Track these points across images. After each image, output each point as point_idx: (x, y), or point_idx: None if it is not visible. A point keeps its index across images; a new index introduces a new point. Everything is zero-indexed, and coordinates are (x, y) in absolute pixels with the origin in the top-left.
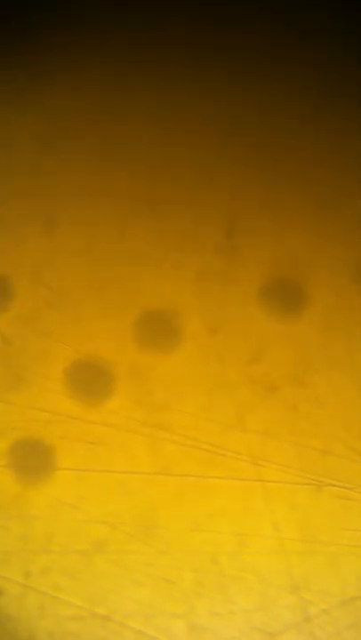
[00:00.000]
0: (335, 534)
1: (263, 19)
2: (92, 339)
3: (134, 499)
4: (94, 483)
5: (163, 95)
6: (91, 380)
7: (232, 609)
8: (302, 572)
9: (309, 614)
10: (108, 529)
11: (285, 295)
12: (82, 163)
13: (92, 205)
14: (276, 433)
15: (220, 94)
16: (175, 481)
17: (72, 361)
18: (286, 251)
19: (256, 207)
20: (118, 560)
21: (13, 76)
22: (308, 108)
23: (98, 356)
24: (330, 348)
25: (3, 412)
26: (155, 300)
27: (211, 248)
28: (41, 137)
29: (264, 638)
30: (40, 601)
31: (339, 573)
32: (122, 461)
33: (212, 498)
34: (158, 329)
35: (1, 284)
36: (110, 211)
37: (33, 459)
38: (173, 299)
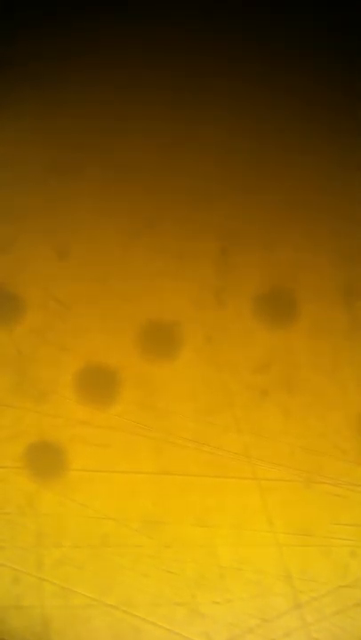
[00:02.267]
0: (324, 528)
1: (261, 48)
2: (99, 348)
3: (139, 497)
4: (102, 482)
5: (162, 122)
6: (98, 387)
7: (230, 597)
8: (294, 563)
9: (300, 601)
10: (115, 525)
11: (277, 307)
12: (87, 186)
13: (97, 226)
14: (270, 434)
15: (219, 122)
16: (177, 480)
17: (80, 369)
18: (277, 266)
19: (249, 226)
20: (125, 553)
21: (21, 107)
22: (296, 135)
23: (104, 365)
24: (317, 357)
25: (17, 417)
26: (156, 311)
27: (207, 263)
28: (50, 163)
29: (259, 624)
30: (53, 592)
31: (327, 564)
32: (127, 462)
33: (211, 495)
34: (160, 338)
35: (14, 299)
36: (113, 230)
37: (46, 461)
38: (173, 310)
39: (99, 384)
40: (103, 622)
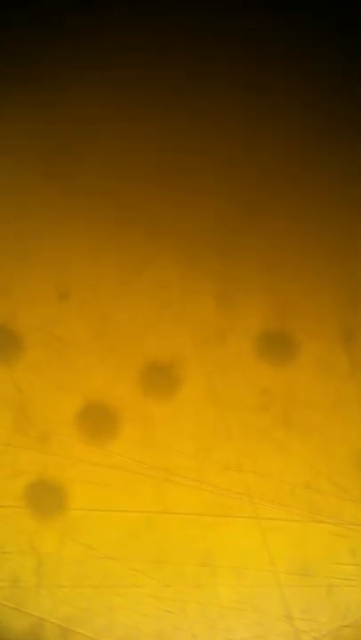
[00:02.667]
0: (326, 568)
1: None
2: (99, 387)
3: (140, 536)
4: (102, 521)
5: (163, 154)
6: (98, 426)
7: (231, 638)
8: (295, 603)
9: None
10: (115, 564)
11: (277, 346)
12: (85, 226)
13: (97, 263)
14: (271, 473)
15: (218, 155)
16: (178, 519)
17: (81, 408)
18: (278, 306)
19: (250, 264)
20: (125, 593)
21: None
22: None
23: (104, 403)
24: (318, 395)
25: (17, 456)
26: (157, 349)
27: (208, 302)
28: (48, 203)
29: None
30: (53, 632)
31: (329, 604)
32: (128, 501)
33: (212, 534)
34: (160, 377)
35: (13, 337)
36: (113, 267)
37: (46, 500)
38: (174, 348)
39: (99, 422)
40: None
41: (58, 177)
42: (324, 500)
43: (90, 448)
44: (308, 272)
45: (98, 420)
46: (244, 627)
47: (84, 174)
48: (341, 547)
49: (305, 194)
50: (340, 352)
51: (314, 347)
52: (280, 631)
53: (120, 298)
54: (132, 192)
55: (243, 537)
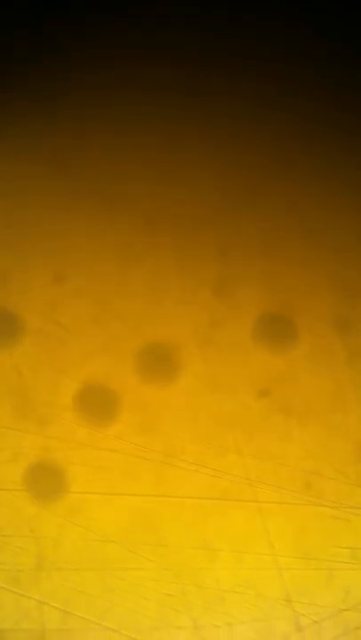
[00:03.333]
0: (325, 551)
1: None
2: (99, 371)
3: (140, 519)
4: (102, 505)
5: (164, 154)
6: (98, 410)
7: (230, 621)
8: (295, 587)
9: (301, 625)
10: (115, 547)
11: (276, 332)
12: (86, 213)
13: (96, 248)
14: (270, 457)
15: (218, 153)
16: (177, 502)
17: (80, 392)
18: (276, 292)
19: (248, 251)
20: (125, 576)
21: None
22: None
23: (104, 387)
24: (318, 380)
25: (17, 439)
26: (156, 334)
27: (207, 288)
28: (49, 190)
29: None
30: (53, 615)
31: (328, 587)
32: (128, 485)
33: (212, 518)
34: (159, 361)
35: (14, 322)
36: (113, 254)
37: (46, 483)
38: (173, 333)
39: (98, 406)
40: None
41: (59, 166)
42: (323, 484)
43: (90, 432)
44: (308, 257)
45: (98, 404)
46: (244, 610)
47: (86, 162)
48: (341, 530)
49: (305, 177)
50: (340, 338)
51: (313, 332)
52: (280, 614)
53: (119, 283)
54: (132, 176)
55: (242, 520)
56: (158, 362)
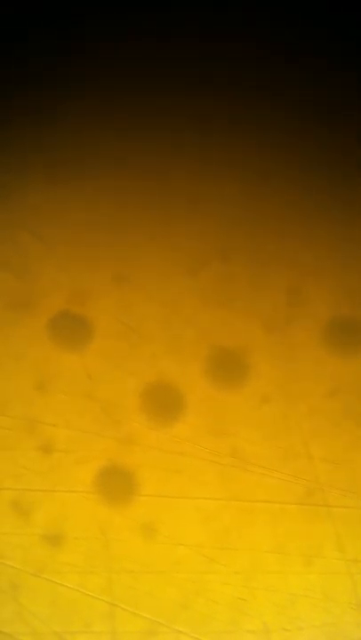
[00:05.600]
0: None
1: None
2: (168, 373)
3: (209, 523)
4: (172, 508)
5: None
6: (167, 412)
7: (301, 625)
8: None
9: None
10: (185, 551)
11: (347, 334)
12: (152, 211)
13: (168, 251)
14: (341, 461)
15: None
16: (247, 506)
17: (149, 394)
18: (349, 294)
19: (321, 254)
20: (195, 579)
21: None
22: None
23: (173, 390)
24: None
25: (87, 442)
26: (225, 337)
27: (279, 291)
28: (102, 189)
29: None
30: (123, 617)
31: None
32: (197, 488)
33: (282, 522)
34: (228, 364)
35: (83, 323)
36: (184, 255)
37: (116, 486)
38: (243, 336)
39: (168, 409)
40: None
41: (114, 162)
42: None
43: (158, 435)
44: None
45: (166, 407)
46: (315, 614)
47: (139, 158)
48: None
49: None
50: None
51: None
52: (350, 619)
53: (189, 287)
54: (206, 177)
55: (312, 525)
56: (228, 365)
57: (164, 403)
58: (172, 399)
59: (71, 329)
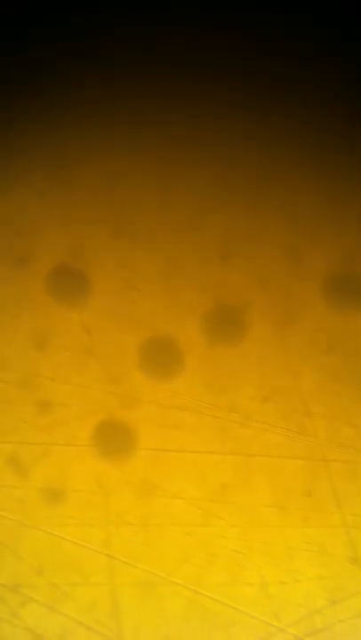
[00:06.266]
0: None
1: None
2: (167, 329)
3: (207, 476)
4: (170, 462)
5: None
6: (165, 368)
7: (298, 578)
8: None
9: None
10: (184, 504)
11: (347, 291)
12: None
13: (165, 205)
14: (339, 416)
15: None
16: (244, 460)
17: (148, 350)
18: (346, 251)
19: (318, 211)
20: (193, 532)
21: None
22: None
23: (172, 345)
24: None
25: (86, 396)
26: (224, 293)
27: (277, 246)
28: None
29: (327, 605)
30: (122, 569)
31: None
32: (195, 442)
33: (279, 476)
34: (227, 320)
35: (83, 280)
36: (184, 209)
37: (114, 440)
38: (241, 291)
39: (167, 365)
40: (172, 601)
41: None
42: None
43: (157, 390)
44: None
45: (165, 363)
46: (311, 568)
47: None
48: None
49: None
50: None
51: None
52: (347, 573)
53: (188, 240)
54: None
55: (309, 479)
56: (226, 320)
57: (162, 358)
58: (171, 355)
59: (70, 284)
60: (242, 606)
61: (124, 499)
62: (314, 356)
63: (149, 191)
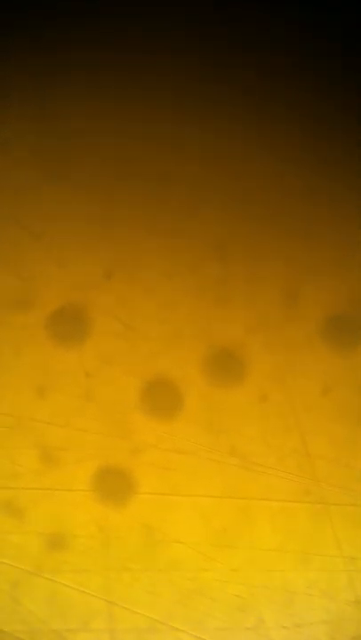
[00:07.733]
0: None
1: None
2: (164, 371)
3: (207, 521)
4: (170, 506)
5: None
6: (164, 410)
7: (299, 622)
8: None
9: None
10: (183, 549)
11: (347, 331)
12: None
13: (170, 247)
14: (339, 458)
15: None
16: (245, 504)
17: (147, 393)
18: (348, 292)
19: (319, 252)
20: (193, 577)
21: None
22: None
23: (170, 388)
24: None
25: (85, 440)
26: (223, 335)
27: (276, 288)
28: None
29: None
30: (122, 615)
31: None
32: (195, 486)
33: (280, 520)
34: (226, 362)
35: (82, 322)
36: (183, 253)
37: (113, 484)
38: (240, 333)
39: (165, 407)
40: None
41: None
42: None
43: (156, 433)
44: None
45: (164, 405)
46: (312, 612)
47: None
48: None
49: None
50: None
51: None
52: (349, 616)
53: (186, 284)
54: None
55: (310, 522)
56: (225, 362)
57: (162, 401)
58: (171, 397)
59: (69, 327)
60: None
61: (125, 544)
62: (313, 396)
63: (149, 233)
